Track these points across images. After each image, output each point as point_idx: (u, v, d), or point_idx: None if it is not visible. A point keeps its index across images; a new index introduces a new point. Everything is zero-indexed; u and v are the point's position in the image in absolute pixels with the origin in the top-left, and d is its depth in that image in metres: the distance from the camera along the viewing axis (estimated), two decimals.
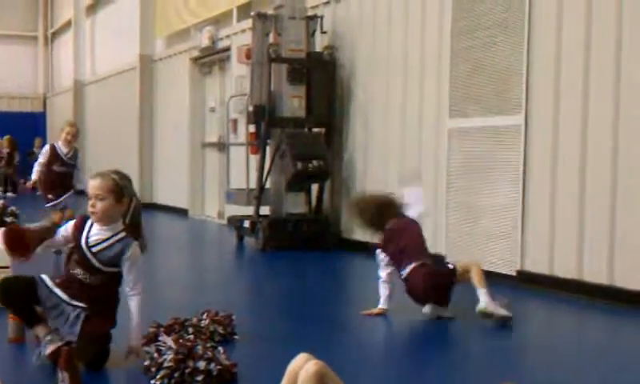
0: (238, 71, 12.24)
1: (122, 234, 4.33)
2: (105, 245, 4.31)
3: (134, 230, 4.40)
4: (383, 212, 5.92)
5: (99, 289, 4.30)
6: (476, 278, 5.60)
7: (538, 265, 7.19)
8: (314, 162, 9.57)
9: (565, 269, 6.95)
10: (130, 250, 4.31)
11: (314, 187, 10.19)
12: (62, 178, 8.74)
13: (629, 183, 6.39)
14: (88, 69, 22.78)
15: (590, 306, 6.47)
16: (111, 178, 4.31)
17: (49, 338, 4.27)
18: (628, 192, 6.40)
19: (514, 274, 7.40)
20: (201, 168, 15.16)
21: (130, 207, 4.38)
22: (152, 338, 4.47)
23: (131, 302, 4.31)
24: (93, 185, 4.28)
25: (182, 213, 15.25)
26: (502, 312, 5.47)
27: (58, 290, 4.31)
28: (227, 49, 13.43)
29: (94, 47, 22.38)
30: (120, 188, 4.31)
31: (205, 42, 14.00)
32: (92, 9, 22.23)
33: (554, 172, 7.05)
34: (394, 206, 5.97)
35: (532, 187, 7.30)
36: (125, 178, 4.41)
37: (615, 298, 6.42)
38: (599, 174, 6.63)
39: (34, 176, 8.81)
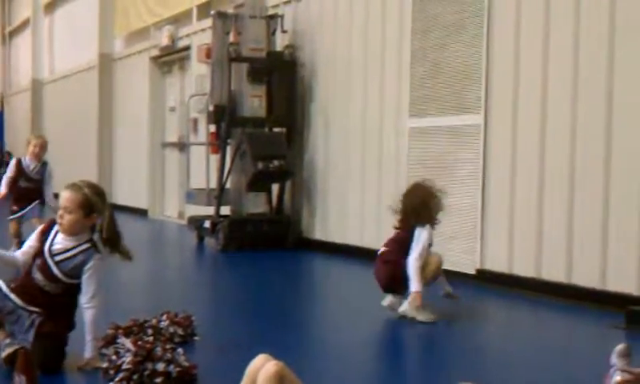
0: (198, 70, 12.18)
1: (86, 245, 4.27)
2: (67, 255, 4.25)
3: (113, 243, 4.35)
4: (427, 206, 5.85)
5: (57, 297, 4.25)
6: (429, 274, 5.77)
7: (497, 264, 7.24)
8: (275, 162, 9.56)
9: (524, 267, 7.01)
10: (91, 262, 4.26)
11: (275, 187, 10.17)
12: (29, 192, 8.47)
13: (586, 183, 6.46)
14: (46, 68, 22.52)
15: (548, 304, 6.52)
16: (82, 193, 4.23)
17: (7, 341, 4.22)
18: (586, 191, 6.46)
19: (474, 272, 7.45)
20: (161, 168, 15.06)
21: (103, 222, 4.30)
22: (110, 340, 4.42)
23: (86, 313, 4.23)
24: (63, 196, 4.22)
25: (141, 213, 15.14)
26: (423, 318, 5.55)
27: (13, 296, 4.25)
28: (187, 48, 13.36)
29: (53, 46, 22.13)
30: (90, 203, 4.23)
31: (165, 41, 13.93)
32: (50, 7, 21.98)
33: (513, 171, 7.11)
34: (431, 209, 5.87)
35: (491, 186, 7.35)
36: (97, 193, 4.32)
37: (573, 295, 6.48)
38: (557, 174, 6.69)
39: (3, 189, 8.57)
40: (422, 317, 5.54)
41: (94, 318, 4.24)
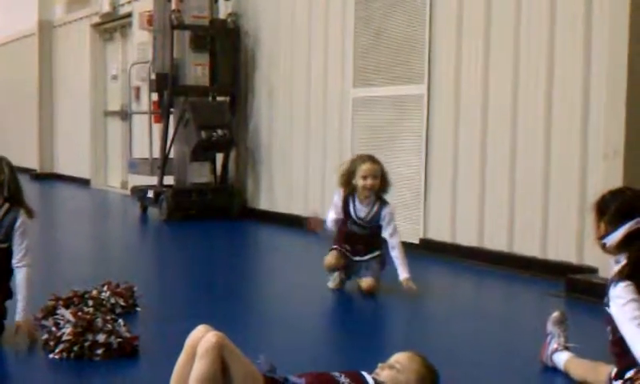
0: (140, 38, 12.00)
1: (7, 206, 4.18)
2: None
3: (16, 200, 4.25)
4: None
5: None
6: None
7: (440, 233, 7.29)
8: (219, 131, 9.49)
9: (467, 237, 7.07)
10: (20, 219, 4.18)
11: (219, 156, 10.10)
12: None
13: (528, 153, 6.52)
14: None
15: (491, 273, 6.60)
16: None
17: None
18: (527, 162, 6.53)
19: (417, 242, 7.49)
20: (103, 137, 14.86)
21: (5, 179, 4.21)
22: (50, 311, 4.35)
23: (19, 273, 4.14)
24: None
25: (84, 183, 14.95)
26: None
27: None
28: (129, 15, 13.14)
29: None
30: None
31: (106, 7, 13.68)
32: None
33: (456, 142, 7.15)
34: None
35: (434, 156, 7.38)
36: None
37: (515, 264, 6.56)
38: (499, 145, 6.74)
39: None
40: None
41: (27, 276, 4.15)
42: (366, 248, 5.72)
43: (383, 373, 3.04)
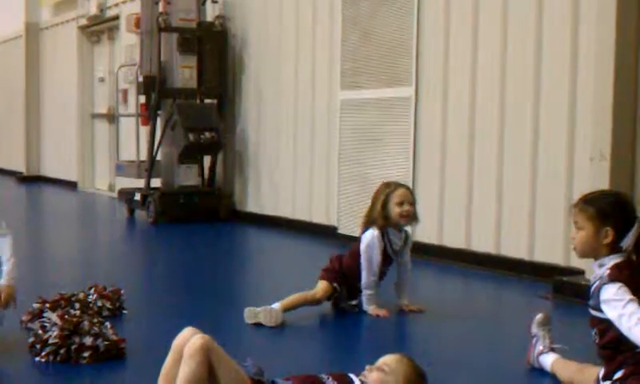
0: (128, 40, 11.98)
1: None
2: None
3: None
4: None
5: None
6: None
7: (427, 235, 7.29)
8: (206, 134, 9.48)
9: (454, 239, 7.08)
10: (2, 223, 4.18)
11: (207, 159, 10.09)
12: None
13: (515, 156, 6.53)
14: None
15: (478, 275, 6.60)
16: None
17: None
18: (514, 165, 6.54)
19: None
20: (90, 140, 14.82)
21: None
22: (37, 314, 4.34)
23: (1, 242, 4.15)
24: None
25: (71, 186, 14.90)
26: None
27: None
28: (116, 17, 13.12)
29: None
30: None
31: (93, 10, 13.65)
32: None
33: (444, 144, 7.16)
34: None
35: (422, 158, 7.39)
36: None
37: (502, 266, 6.58)
38: (487, 147, 6.76)
39: None
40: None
41: (10, 241, 4.15)
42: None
43: (371, 375, 3.04)
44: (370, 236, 5.08)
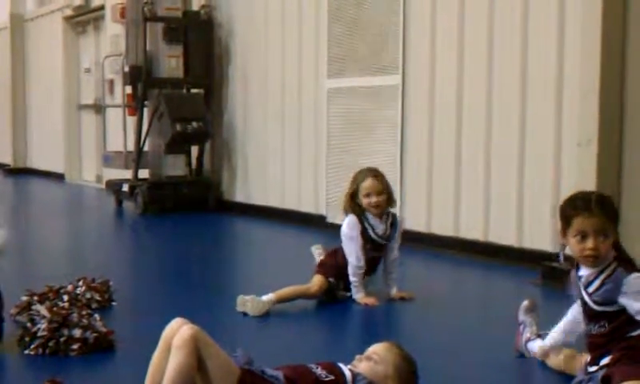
0: (113, 30, 11.92)
1: None
2: None
3: None
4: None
5: None
6: None
7: (416, 223, 7.29)
8: (193, 124, 9.45)
9: (442, 226, 7.09)
10: None
11: (194, 149, 10.07)
12: None
13: (503, 143, 6.54)
14: None
15: (467, 262, 6.62)
16: None
17: None
18: (502, 152, 6.55)
19: None
20: (77, 131, 14.76)
21: None
22: (25, 307, 4.32)
23: None
24: None
25: (58, 177, 14.84)
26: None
27: None
28: (101, 7, 13.03)
29: None
30: None
31: (78, 0, 13.59)
32: None
33: (431, 131, 7.16)
34: None
35: (410, 146, 7.39)
36: None
37: (491, 253, 6.59)
38: (474, 135, 6.76)
39: None
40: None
41: None
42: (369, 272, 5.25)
43: (361, 365, 3.05)
44: (346, 222, 5.13)
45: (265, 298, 4.81)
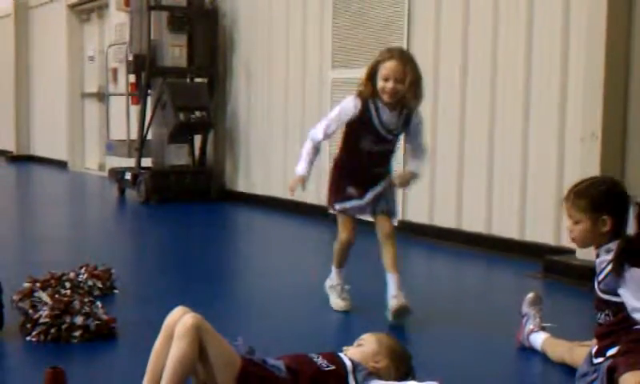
0: (118, 19, 11.91)
1: None
2: None
3: None
4: None
5: None
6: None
7: (419, 215, 7.30)
8: (197, 113, 9.45)
9: (445, 219, 7.09)
10: None
11: (197, 138, 10.07)
12: None
13: (506, 136, 6.53)
14: None
15: (469, 255, 6.62)
16: None
17: None
18: (505, 145, 6.54)
19: (396, 224, 7.48)
20: (80, 119, 14.76)
21: None
22: (27, 294, 4.32)
23: None
24: None
25: (61, 165, 14.85)
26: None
27: None
28: None
29: None
30: None
31: None
32: None
33: (435, 123, 7.14)
34: None
35: None
36: None
37: (493, 246, 6.59)
38: (478, 127, 6.75)
39: None
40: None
41: None
42: (380, 172, 4.56)
43: (349, 352, 3.09)
44: (347, 100, 4.47)
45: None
